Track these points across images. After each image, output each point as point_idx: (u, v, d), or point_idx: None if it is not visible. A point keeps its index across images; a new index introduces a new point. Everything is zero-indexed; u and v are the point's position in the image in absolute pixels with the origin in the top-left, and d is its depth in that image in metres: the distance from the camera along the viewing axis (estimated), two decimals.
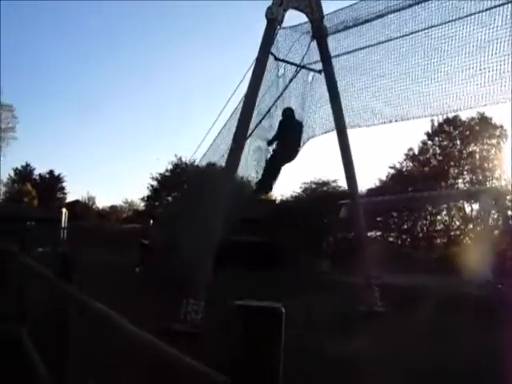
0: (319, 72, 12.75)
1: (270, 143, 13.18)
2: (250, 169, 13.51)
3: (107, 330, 3.12)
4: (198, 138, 66.87)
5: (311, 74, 13.07)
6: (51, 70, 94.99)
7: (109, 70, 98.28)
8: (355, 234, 14.31)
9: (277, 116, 13.18)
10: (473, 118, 40.02)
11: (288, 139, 12.77)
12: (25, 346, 6.31)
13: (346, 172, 12.86)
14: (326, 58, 12.52)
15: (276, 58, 12.22)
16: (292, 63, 12.78)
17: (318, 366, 7.46)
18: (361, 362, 7.51)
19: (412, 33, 11.56)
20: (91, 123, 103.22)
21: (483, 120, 39.40)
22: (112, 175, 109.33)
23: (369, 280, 12.88)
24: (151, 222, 23.08)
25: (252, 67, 11.26)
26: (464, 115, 40.00)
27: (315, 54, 12.71)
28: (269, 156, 13.28)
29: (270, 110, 12.82)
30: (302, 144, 13.42)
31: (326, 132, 13.52)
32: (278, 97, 12.90)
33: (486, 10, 10.27)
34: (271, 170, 13.23)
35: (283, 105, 13.17)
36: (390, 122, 12.62)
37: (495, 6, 10.10)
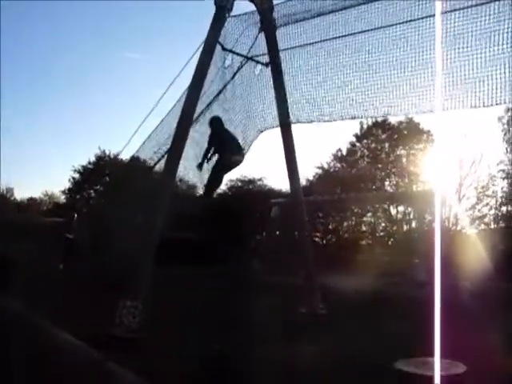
0: (266, 65, 12.24)
1: (201, 163, 12.45)
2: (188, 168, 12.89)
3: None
4: (124, 132, 66.44)
5: (259, 66, 12.54)
6: None
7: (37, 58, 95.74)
8: (297, 233, 13.86)
9: (221, 109, 12.69)
10: (401, 123, 40.66)
11: (228, 145, 12.13)
12: None
13: (289, 169, 12.43)
14: (273, 50, 12.01)
15: (223, 48, 11.63)
16: (239, 54, 12.24)
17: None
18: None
19: (361, 32, 11.28)
20: (9, 108, 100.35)
21: (411, 124, 40.08)
22: (32, 166, 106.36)
23: (310, 281, 12.46)
24: (75, 215, 22.06)
25: (195, 57, 10.70)
26: (393, 119, 40.60)
27: (264, 46, 12.18)
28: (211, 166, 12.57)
29: (211, 102, 12.28)
30: (244, 145, 12.93)
31: (272, 127, 13.06)
32: (222, 89, 12.37)
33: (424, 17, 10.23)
34: (216, 180, 12.67)
35: (228, 98, 12.66)
36: (334, 120, 12.31)
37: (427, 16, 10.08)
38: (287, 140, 12.28)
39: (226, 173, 12.73)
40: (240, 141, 12.97)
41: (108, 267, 14.40)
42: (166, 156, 11.11)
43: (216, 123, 12.20)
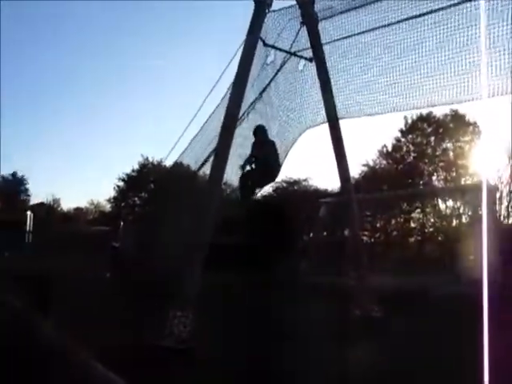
0: (310, 60, 11.79)
1: (244, 166, 11.97)
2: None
3: None
4: (166, 138, 66.61)
5: (302, 61, 12.09)
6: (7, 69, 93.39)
7: (70, 65, 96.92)
8: (349, 232, 13.38)
9: (265, 108, 12.30)
10: (446, 115, 39.83)
11: (265, 160, 11.68)
12: None
13: (339, 166, 11.92)
14: (316, 44, 11.54)
15: (265, 44, 11.21)
16: (282, 49, 11.81)
17: None
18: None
19: (407, 19, 10.81)
20: (53, 122, 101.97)
21: (457, 117, 39.17)
22: (77, 177, 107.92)
23: (364, 282, 11.96)
24: (121, 223, 21.94)
25: (236, 56, 10.35)
26: (438, 112, 39.83)
27: (306, 40, 11.73)
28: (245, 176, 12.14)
29: (255, 101, 11.89)
30: (280, 162, 12.54)
31: (317, 124, 12.65)
32: (266, 86, 11.98)
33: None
34: (249, 190, 12.27)
35: (271, 96, 12.27)
36: (382, 113, 11.96)
37: None
38: (335, 136, 11.79)
39: (259, 186, 12.40)
40: (285, 140, 12.66)
41: (155, 275, 14.14)
42: (211, 159, 10.72)
43: (260, 133, 11.80)
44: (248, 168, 11.83)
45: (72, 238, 36.68)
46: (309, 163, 72.72)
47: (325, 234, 25.02)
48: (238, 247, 23.75)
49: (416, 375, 6.80)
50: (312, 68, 11.88)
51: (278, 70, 12.00)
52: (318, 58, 11.54)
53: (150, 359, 7.35)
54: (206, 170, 13.72)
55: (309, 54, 11.86)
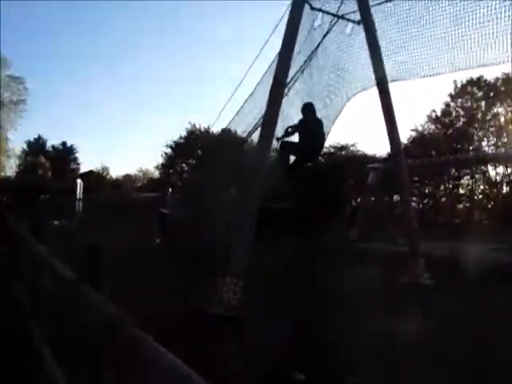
0: (357, 23, 11.52)
1: (286, 135, 11.70)
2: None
3: None
4: (213, 104, 66.61)
5: (350, 25, 11.84)
6: (59, 38, 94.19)
7: (120, 36, 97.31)
8: (400, 198, 13.17)
9: (315, 73, 12.13)
10: (497, 79, 38.78)
11: (309, 139, 11.39)
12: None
13: (389, 129, 11.72)
14: (364, 7, 11.27)
15: (312, 8, 10.97)
16: (329, 13, 11.57)
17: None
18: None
19: None
20: (101, 92, 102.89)
21: (508, 80, 38.07)
22: (125, 144, 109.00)
23: (414, 249, 11.80)
24: (170, 190, 21.99)
25: (282, 20, 10.20)
26: (489, 76, 38.85)
27: (354, 3, 11.47)
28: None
29: (303, 66, 11.72)
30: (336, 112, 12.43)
31: (366, 89, 12.48)
32: (314, 51, 11.79)
33: None
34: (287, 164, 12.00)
35: (319, 61, 12.08)
36: (434, 74, 11.93)
37: None
38: (385, 100, 11.57)
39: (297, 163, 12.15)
40: (334, 105, 12.53)
41: (204, 241, 14.19)
42: (259, 126, 10.63)
43: (308, 111, 11.52)
44: (289, 140, 11.66)
45: (121, 204, 37.13)
46: (356, 128, 72.48)
47: (373, 199, 24.73)
48: (287, 213, 23.64)
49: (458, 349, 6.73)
50: (360, 31, 11.65)
51: (326, 34, 11.79)
52: (366, 21, 11.29)
53: (199, 326, 7.39)
54: (255, 137, 13.71)
55: (356, 16, 11.62)
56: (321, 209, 27.91)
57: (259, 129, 11.64)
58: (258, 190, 8.99)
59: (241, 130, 14.26)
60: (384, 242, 19.31)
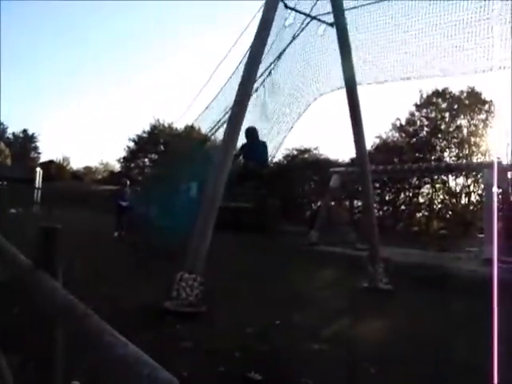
0: (331, 25, 11.45)
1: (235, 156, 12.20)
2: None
3: None
4: (179, 100, 66.67)
5: (322, 26, 11.77)
6: (27, 24, 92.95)
7: (84, 21, 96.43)
8: (363, 203, 13.16)
9: (281, 72, 12.07)
10: (462, 92, 39.29)
11: (250, 162, 11.73)
12: None
13: (355, 134, 11.71)
14: (337, 10, 11.21)
15: (286, 6, 10.89)
16: (303, 13, 11.50)
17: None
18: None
19: None
20: (67, 81, 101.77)
21: (472, 94, 38.63)
22: (87, 136, 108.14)
23: (374, 254, 11.80)
24: (128, 183, 21.69)
25: (255, 17, 10.14)
26: (454, 88, 39.37)
27: (327, 5, 11.41)
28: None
29: (272, 64, 11.64)
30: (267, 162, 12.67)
31: (332, 90, 12.46)
32: (283, 50, 11.71)
33: None
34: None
35: (288, 60, 12.02)
36: (401, 79, 12.10)
37: None
38: (353, 103, 11.54)
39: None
40: (299, 105, 12.56)
41: (163, 236, 14.02)
42: (226, 123, 10.51)
43: (250, 135, 11.93)
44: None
45: (80, 196, 36.72)
46: (318, 133, 72.85)
47: (332, 203, 24.78)
48: (243, 211, 23.58)
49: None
50: (332, 33, 11.59)
51: (298, 34, 11.71)
52: (340, 24, 11.24)
53: (154, 322, 7.23)
54: (219, 135, 13.68)
55: (329, 19, 11.57)
56: (278, 209, 27.96)
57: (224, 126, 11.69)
58: (220, 187, 8.86)
59: (206, 126, 14.22)
60: (343, 246, 19.38)
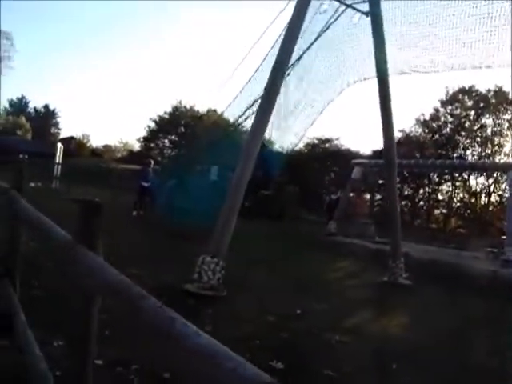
0: (366, 14, 11.27)
1: None
2: None
3: None
4: (202, 83, 66.74)
5: (357, 14, 11.57)
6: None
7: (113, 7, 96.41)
8: (388, 197, 12.99)
9: (312, 59, 11.92)
10: (489, 90, 38.76)
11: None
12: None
13: (384, 124, 11.60)
14: None
15: None
16: (338, 0, 11.29)
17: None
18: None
19: None
20: (90, 59, 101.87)
21: (500, 93, 38.09)
22: (108, 114, 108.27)
23: (395, 248, 11.69)
24: (152, 163, 21.64)
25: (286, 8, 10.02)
26: (481, 86, 38.87)
27: None
28: None
29: (308, 49, 11.47)
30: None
31: (364, 79, 12.31)
32: (317, 37, 11.54)
33: None
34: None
35: (321, 45, 11.86)
36: (437, 71, 11.80)
37: None
38: (383, 93, 11.41)
39: None
40: (327, 94, 12.51)
41: (182, 217, 13.98)
42: (256, 110, 10.38)
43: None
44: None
45: (99, 173, 36.72)
46: (340, 123, 72.46)
47: (352, 195, 24.55)
48: (263, 198, 23.54)
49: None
50: (367, 22, 11.41)
51: (334, 21, 11.52)
52: (375, 13, 11.08)
53: (173, 305, 7.12)
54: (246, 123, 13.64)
55: (365, 7, 11.39)
56: (296, 196, 27.85)
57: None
58: (247, 174, 8.75)
59: (233, 114, 14.20)
60: (361, 239, 19.22)
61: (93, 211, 2.42)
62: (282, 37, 9.69)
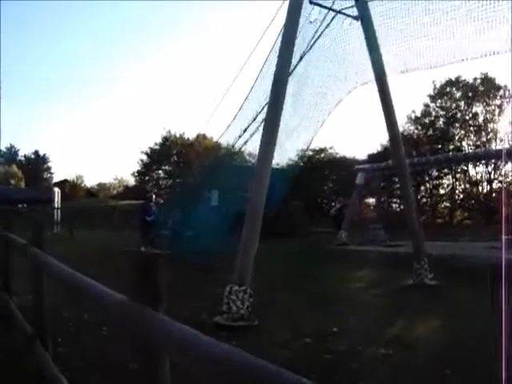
0: (356, 18, 11.10)
1: None
2: None
3: None
4: (188, 110, 67.01)
5: (348, 20, 11.39)
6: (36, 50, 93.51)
7: (94, 39, 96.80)
8: (403, 199, 12.78)
9: (306, 69, 11.73)
10: (475, 79, 38.90)
11: None
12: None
13: (388, 125, 11.42)
14: (361, 2, 10.91)
15: (311, 2, 10.47)
16: (328, 8, 11.10)
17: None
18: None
19: None
20: (74, 100, 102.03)
21: (486, 80, 38.25)
22: (98, 153, 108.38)
23: (418, 249, 11.44)
24: (153, 197, 21.39)
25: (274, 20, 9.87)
26: (467, 76, 39.00)
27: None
28: None
29: (300, 59, 11.25)
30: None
31: (364, 83, 12.14)
32: (310, 46, 11.33)
33: None
34: None
35: (313, 56, 11.65)
36: (428, 67, 11.57)
37: None
38: (384, 94, 11.23)
39: None
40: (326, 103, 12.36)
41: (192, 247, 13.76)
42: (260, 131, 10.15)
43: None
44: None
45: (98, 213, 36.51)
46: (330, 132, 72.50)
47: (358, 201, 24.36)
48: (269, 217, 23.40)
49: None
50: (357, 26, 11.26)
51: (324, 29, 11.33)
52: (364, 16, 10.92)
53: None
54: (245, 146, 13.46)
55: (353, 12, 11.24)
56: (303, 211, 27.61)
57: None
58: (263, 194, 8.50)
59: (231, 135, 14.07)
60: (374, 244, 19.01)
61: (151, 264, 2.17)
62: (273, 53, 9.59)
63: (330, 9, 11.04)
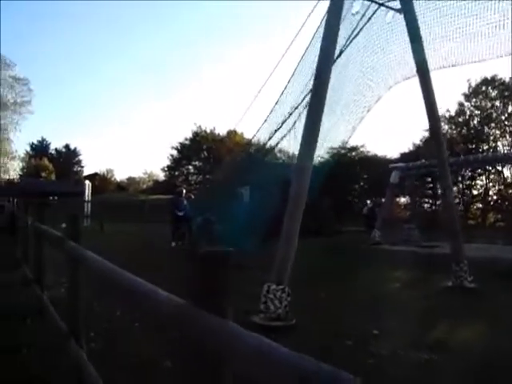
0: (399, 11, 10.79)
1: None
2: None
3: None
4: (218, 105, 67.27)
5: (390, 13, 11.10)
6: (66, 42, 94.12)
7: (125, 34, 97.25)
8: (444, 199, 12.45)
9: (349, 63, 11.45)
10: None
11: None
12: None
13: (430, 119, 11.11)
14: None
15: None
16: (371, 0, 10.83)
17: None
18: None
19: None
20: (105, 95, 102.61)
21: None
22: (128, 147, 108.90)
23: (457, 251, 11.10)
24: (184, 192, 21.19)
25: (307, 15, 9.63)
26: (503, 74, 38.29)
27: None
28: None
29: (340, 54, 10.97)
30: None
31: (407, 78, 11.86)
32: (351, 39, 11.06)
33: None
34: None
35: (354, 49, 11.39)
36: (473, 62, 11.45)
37: None
38: (426, 86, 10.93)
39: None
40: (366, 99, 12.08)
41: (224, 244, 13.53)
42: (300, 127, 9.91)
43: None
44: None
45: (128, 207, 36.54)
46: (362, 130, 72.14)
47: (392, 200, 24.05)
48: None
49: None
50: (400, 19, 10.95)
51: (366, 23, 11.06)
52: (407, 9, 10.61)
53: None
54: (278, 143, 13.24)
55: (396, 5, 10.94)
56: (330, 209, 27.30)
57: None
58: (304, 189, 8.25)
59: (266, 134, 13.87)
60: (408, 244, 18.71)
61: (218, 263, 1.92)
62: (310, 49, 9.36)
63: (371, 0, 10.74)
